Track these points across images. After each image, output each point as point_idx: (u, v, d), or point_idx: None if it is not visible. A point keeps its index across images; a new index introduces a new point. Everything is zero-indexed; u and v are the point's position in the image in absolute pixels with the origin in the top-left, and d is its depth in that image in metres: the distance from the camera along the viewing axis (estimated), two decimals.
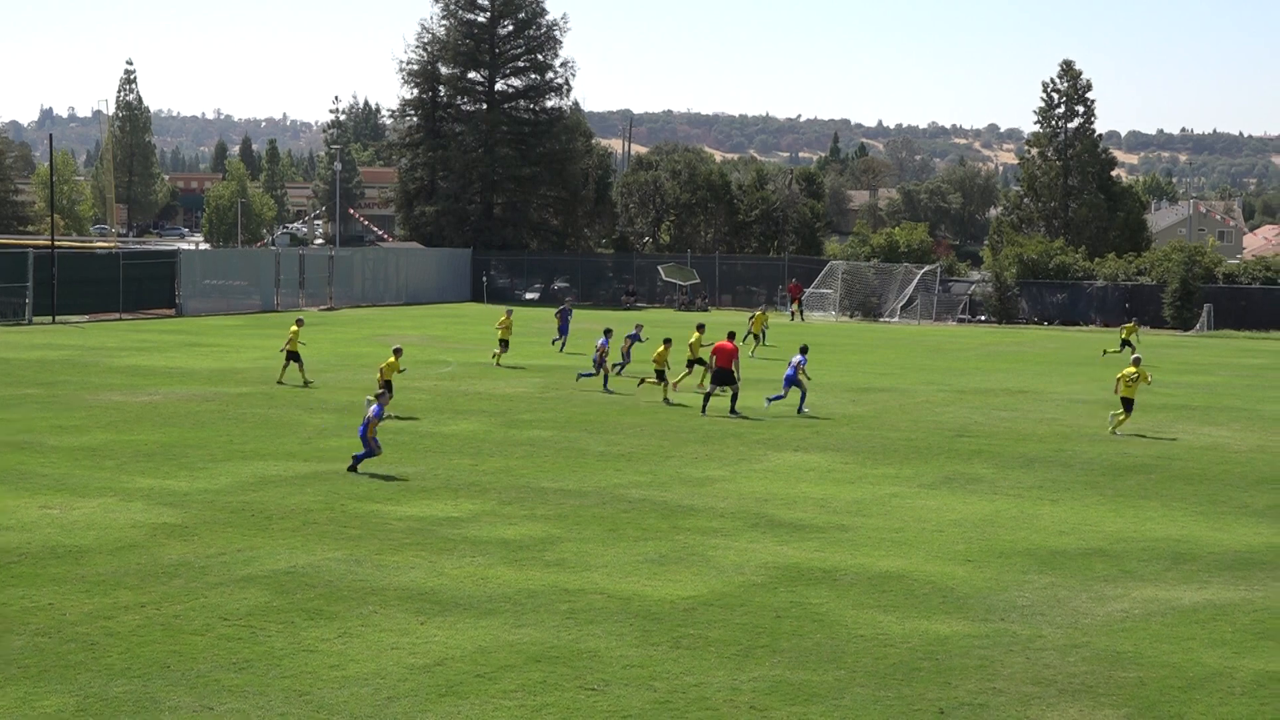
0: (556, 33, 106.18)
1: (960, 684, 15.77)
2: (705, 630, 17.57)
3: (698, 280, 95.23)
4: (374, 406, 28.31)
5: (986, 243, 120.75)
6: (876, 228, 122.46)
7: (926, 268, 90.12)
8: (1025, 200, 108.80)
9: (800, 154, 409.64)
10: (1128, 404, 36.02)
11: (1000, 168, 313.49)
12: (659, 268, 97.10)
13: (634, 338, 47.72)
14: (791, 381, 38.43)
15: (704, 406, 37.91)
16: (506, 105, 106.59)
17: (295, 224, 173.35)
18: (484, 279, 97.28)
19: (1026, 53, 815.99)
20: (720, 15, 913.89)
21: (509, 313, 51.78)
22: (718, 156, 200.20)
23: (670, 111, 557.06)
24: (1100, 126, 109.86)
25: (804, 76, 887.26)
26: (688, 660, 16.39)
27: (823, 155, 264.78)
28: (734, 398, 37.77)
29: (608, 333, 44.30)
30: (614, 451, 31.24)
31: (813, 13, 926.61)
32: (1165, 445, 34.20)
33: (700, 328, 43.90)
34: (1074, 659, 16.75)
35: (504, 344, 49.62)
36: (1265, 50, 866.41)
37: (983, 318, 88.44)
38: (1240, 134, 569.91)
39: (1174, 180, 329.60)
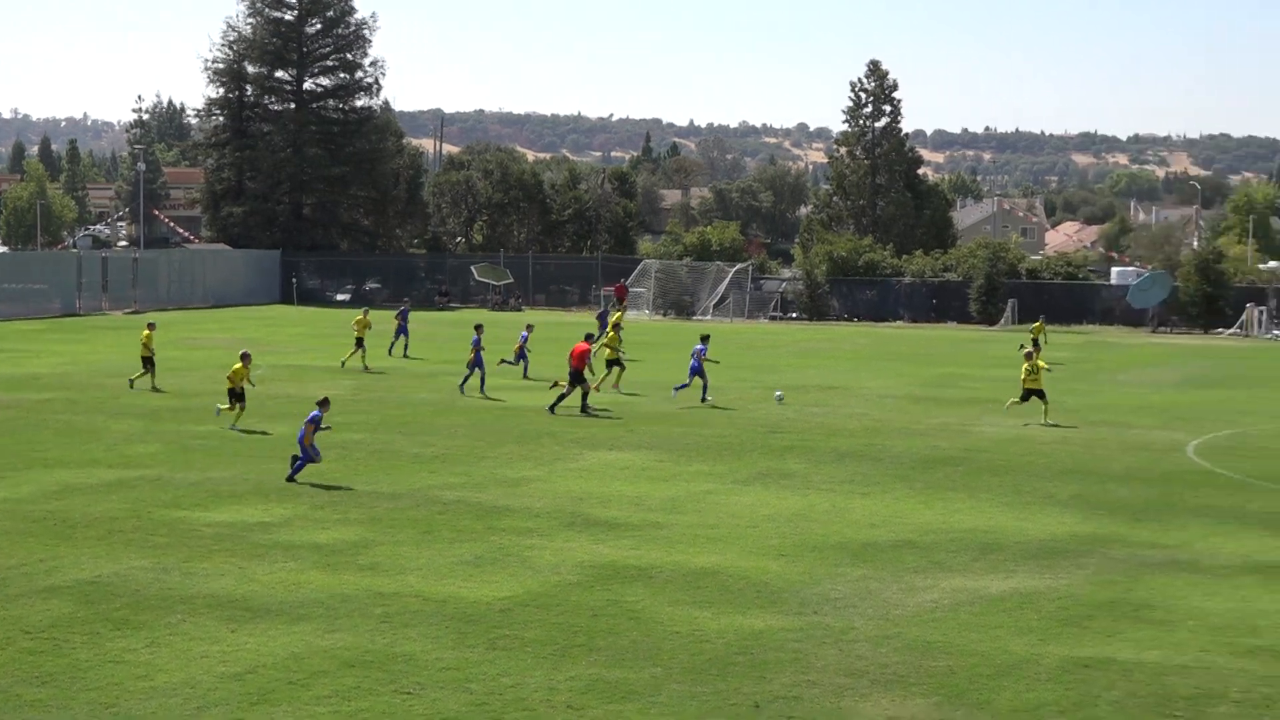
0: (366, 31, 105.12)
1: (775, 677, 15.90)
2: (521, 631, 17.50)
3: (511, 280, 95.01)
4: (312, 412, 27.67)
5: (797, 241, 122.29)
6: (689, 226, 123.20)
7: (739, 266, 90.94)
8: (835, 199, 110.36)
9: (613, 153, 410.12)
10: (1039, 394, 37.86)
11: (810, 166, 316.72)
12: (472, 268, 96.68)
13: (525, 338, 47.24)
14: (696, 371, 40.26)
15: (584, 406, 38.06)
16: (315, 105, 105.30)
17: (98, 226, 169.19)
18: (294, 280, 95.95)
19: (834, 53, 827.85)
20: (531, 14, 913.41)
21: (365, 312, 51.49)
22: (530, 156, 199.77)
23: (482, 111, 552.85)
24: (907, 125, 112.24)
25: (616, 76, 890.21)
26: (504, 661, 16.31)
27: (635, 155, 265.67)
28: (561, 397, 38.06)
29: (479, 328, 43.17)
30: (428, 453, 31.02)
31: (624, 12, 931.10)
32: (972, 438, 34.89)
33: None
34: (886, 650, 16.98)
35: (359, 343, 49.10)
36: (1065, 50, 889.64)
37: (794, 315, 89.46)
38: (1042, 133, 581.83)
39: (978, 178, 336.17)
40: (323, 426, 27.69)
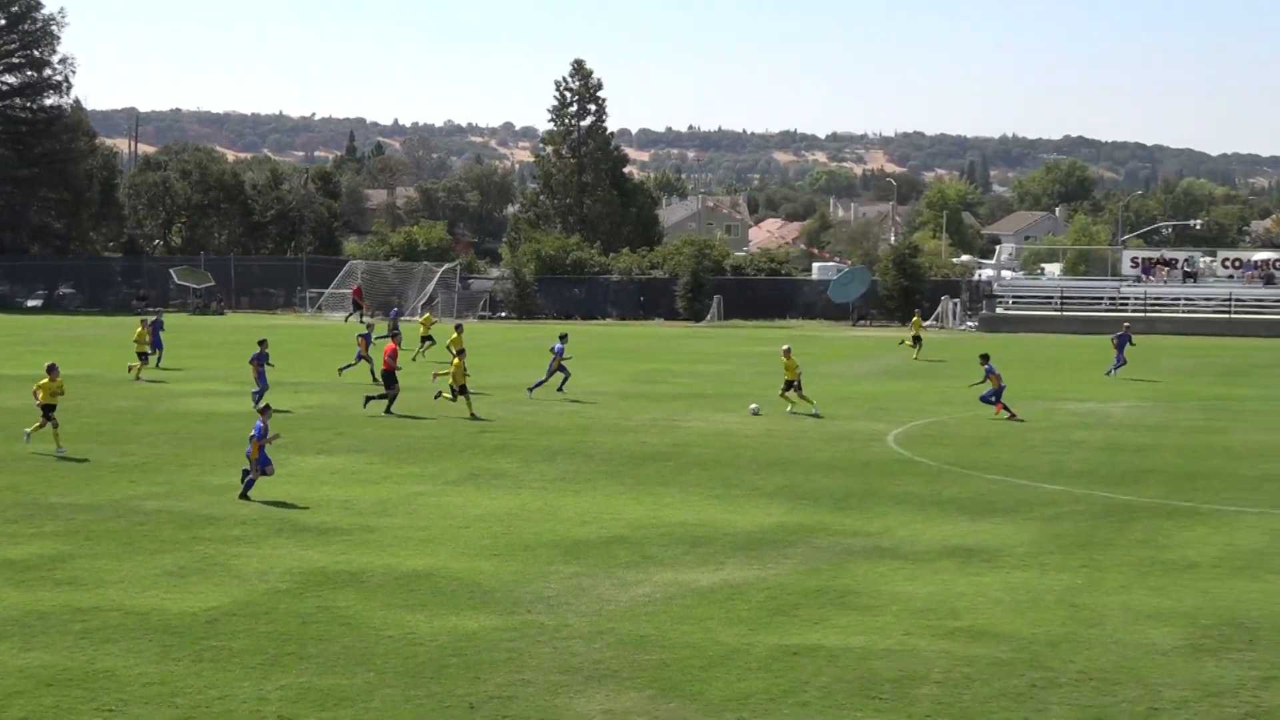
0: (54, 28, 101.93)
1: (489, 677, 15.81)
2: (229, 641, 17.07)
3: (213, 283, 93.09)
4: (256, 424, 26.22)
5: (505, 240, 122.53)
6: (395, 226, 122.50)
7: (446, 265, 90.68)
8: (542, 197, 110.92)
9: (316, 153, 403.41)
10: (790, 384, 39.17)
11: (517, 165, 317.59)
12: (171, 271, 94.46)
13: (366, 338, 46.28)
14: (554, 368, 42.75)
15: (367, 402, 38.69)
16: (0, 104, 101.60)
17: None
18: None
19: (539, 52, 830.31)
20: (227, 9, 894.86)
21: (144, 323, 49.24)
22: (230, 156, 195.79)
23: (179, 110, 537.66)
24: (612, 124, 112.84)
25: (317, 74, 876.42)
26: (211, 673, 15.88)
27: (339, 154, 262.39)
28: (393, 399, 38.29)
29: (263, 344, 40.73)
30: (128, 462, 30.07)
31: (322, 9, 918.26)
32: (681, 433, 35.32)
33: (458, 328, 45.59)
34: (599, 645, 17.03)
35: (143, 356, 47.04)
36: (765, 50, 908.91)
37: (504, 314, 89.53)
38: (744, 131, 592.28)
39: (683, 176, 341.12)
40: (270, 436, 26.35)
